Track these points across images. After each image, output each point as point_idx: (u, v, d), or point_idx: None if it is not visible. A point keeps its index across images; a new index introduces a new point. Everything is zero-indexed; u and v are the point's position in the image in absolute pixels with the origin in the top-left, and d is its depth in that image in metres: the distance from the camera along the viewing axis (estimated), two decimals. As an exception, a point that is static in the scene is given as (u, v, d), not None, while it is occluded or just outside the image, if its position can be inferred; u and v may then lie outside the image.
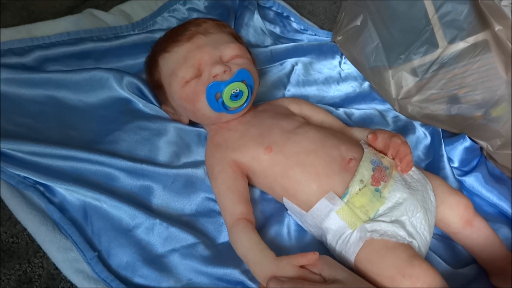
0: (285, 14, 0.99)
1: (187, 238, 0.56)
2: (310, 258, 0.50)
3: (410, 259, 0.51)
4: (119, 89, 0.68)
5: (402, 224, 0.55)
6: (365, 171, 0.57)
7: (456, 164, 0.77)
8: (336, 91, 0.88)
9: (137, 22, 0.83)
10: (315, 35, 0.98)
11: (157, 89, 0.69)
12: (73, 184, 0.55)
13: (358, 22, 0.84)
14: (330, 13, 1.05)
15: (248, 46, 0.73)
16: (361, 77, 0.90)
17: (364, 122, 0.82)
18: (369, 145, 0.63)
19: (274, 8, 0.99)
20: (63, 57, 0.71)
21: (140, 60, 0.75)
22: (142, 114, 0.68)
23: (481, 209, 0.72)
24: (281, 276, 0.49)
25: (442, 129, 0.80)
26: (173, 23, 0.87)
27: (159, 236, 0.55)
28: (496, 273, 0.62)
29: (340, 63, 0.93)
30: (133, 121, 0.65)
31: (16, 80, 0.64)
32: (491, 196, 0.73)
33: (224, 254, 0.56)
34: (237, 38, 0.70)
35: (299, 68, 0.88)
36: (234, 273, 0.53)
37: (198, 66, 0.62)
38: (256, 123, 0.65)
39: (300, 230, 0.62)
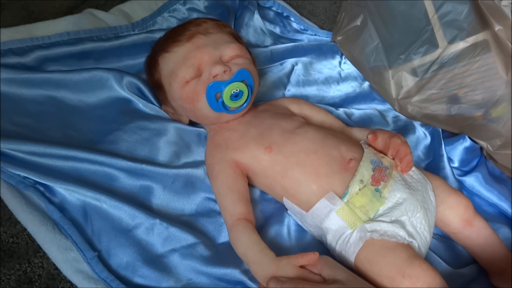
0: (285, 14, 0.99)
1: (187, 238, 0.56)
2: (310, 258, 0.50)
3: (410, 259, 0.51)
4: (119, 89, 0.68)
5: (402, 224, 0.55)
6: (365, 171, 0.57)
7: (456, 164, 0.77)
8: (336, 91, 0.88)
9: (137, 22, 0.83)
10: (315, 35, 0.98)
11: (157, 89, 0.69)
12: (73, 184, 0.55)
13: (358, 22, 0.84)
14: (330, 13, 1.05)
15: (248, 46, 0.73)
16: (361, 77, 0.90)
17: (364, 122, 0.81)
18: (369, 145, 0.63)
19: (274, 8, 0.99)
20: (63, 57, 0.71)
21: (140, 60, 0.75)
22: (142, 114, 0.68)
23: (481, 209, 0.72)
24: (281, 276, 0.49)
25: (442, 129, 0.80)
26: (173, 23, 0.87)
27: (159, 236, 0.55)
28: (496, 273, 0.62)
29: (340, 63, 0.93)
30: (133, 121, 0.65)
31: (16, 80, 0.64)
32: (491, 196, 0.72)
33: (224, 254, 0.56)
34: (237, 38, 0.70)
35: (299, 68, 0.88)
36: (234, 273, 0.53)
37: (198, 66, 0.62)
38: (256, 123, 0.65)
39: (300, 230, 0.62)
